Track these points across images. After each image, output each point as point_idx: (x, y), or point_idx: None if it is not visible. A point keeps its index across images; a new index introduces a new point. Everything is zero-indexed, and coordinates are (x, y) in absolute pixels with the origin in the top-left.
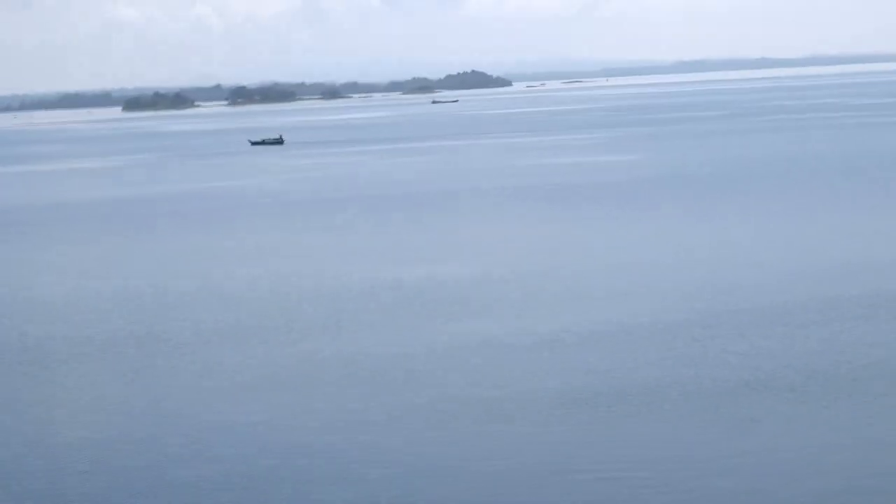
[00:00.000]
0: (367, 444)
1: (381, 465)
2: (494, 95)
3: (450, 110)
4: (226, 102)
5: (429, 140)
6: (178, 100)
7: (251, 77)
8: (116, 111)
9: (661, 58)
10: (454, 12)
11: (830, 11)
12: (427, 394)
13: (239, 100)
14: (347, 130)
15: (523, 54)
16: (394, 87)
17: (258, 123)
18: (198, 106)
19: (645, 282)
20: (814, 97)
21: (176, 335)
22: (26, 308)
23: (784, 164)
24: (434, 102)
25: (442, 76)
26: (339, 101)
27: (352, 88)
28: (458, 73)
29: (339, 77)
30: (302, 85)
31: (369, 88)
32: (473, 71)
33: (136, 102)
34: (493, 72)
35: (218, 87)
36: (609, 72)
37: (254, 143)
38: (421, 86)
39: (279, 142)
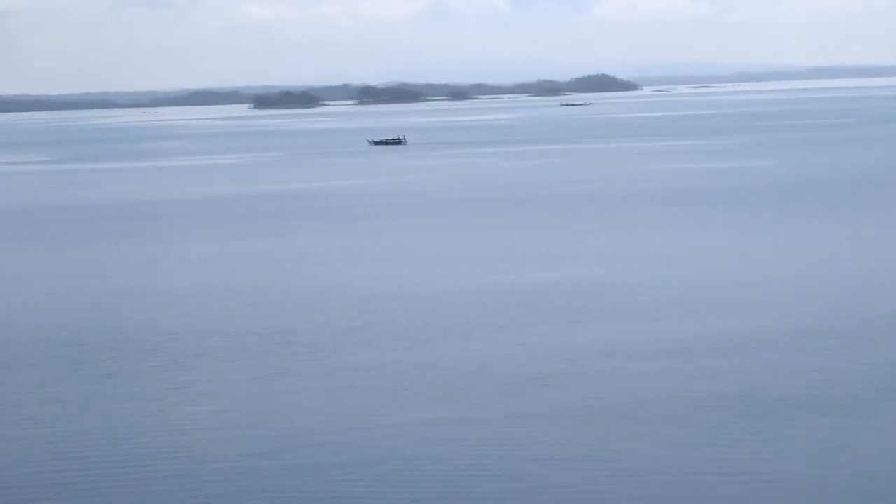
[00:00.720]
0: (492, 448)
1: (507, 468)
2: (623, 99)
3: (578, 113)
4: (353, 101)
5: (556, 143)
6: (306, 98)
7: (378, 77)
8: (244, 108)
9: (793, 63)
10: (582, 16)
11: None
12: (555, 398)
13: (366, 99)
14: (473, 131)
15: (652, 58)
16: (520, 89)
17: (383, 123)
18: (325, 104)
19: (779, 289)
20: None
21: (304, 333)
22: (157, 302)
23: None
24: (564, 105)
25: (569, 79)
26: (466, 101)
27: (478, 90)
28: (585, 76)
29: (465, 78)
30: (429, 85)
31: (496, 90)
32: (601, 74)
33: (264, 100)
34: (621, 75)
35: (346, 86)
36: (740, 77)
37: (373, 143)
38: (548, 88)
39: (399, 142)
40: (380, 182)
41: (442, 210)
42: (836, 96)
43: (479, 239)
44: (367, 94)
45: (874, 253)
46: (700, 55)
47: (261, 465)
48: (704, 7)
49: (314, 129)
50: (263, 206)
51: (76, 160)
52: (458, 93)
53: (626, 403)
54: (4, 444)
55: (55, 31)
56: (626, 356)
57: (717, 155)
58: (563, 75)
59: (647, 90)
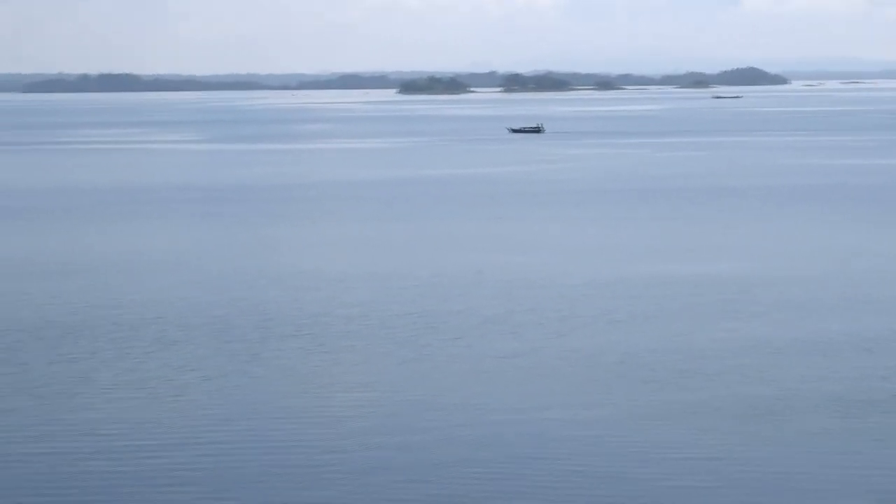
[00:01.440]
0: (634, 440)
1: (648, 461)
2: (774, 93)
3: (729, 106)
4: (500, 89)
5: (705, 135)
6: (453, 84)
7: (525, 65)
8: (391, 93)
9: None
10: (732, 8)
11: None
12: (698, 393)
13: (513, 87)
14: (620, 122)
15: (800, 52)
16: (668, 80)
17: (527, 111)
18: (472, 91)
19: None
20: None
21: (448, 319)
22: (303, 283)
23: None
24: (715, 97)
25: (717, 71)
26: (613, 91)
27: (625, 80)
28: (734, 69)
29: (612, 69)
30: (575, 75)
31: (643, 81)
32: (749, 67)
33: (411, 85)
34: (770, 69)
35: (493, 73)
36: (892, 73)
37: (513, 131)
38: (696, 80)
39: (537, 130)
40: (519, 171)
41: (582, 200)
42: None
43: (622, 230)
44: (514, 82)
45: None
46: (850, 51)
47: (408, 456)
48: (858, 2)
49: (458, 116)
50: (405, 190)
51: (226, 140)
52: (604, 82)
53: (773, 400)
54: (158, 417)
55: (208, 12)
56: (772, 352)
57: (873, 151)
58: (712, 67)
59: (796, 84)
